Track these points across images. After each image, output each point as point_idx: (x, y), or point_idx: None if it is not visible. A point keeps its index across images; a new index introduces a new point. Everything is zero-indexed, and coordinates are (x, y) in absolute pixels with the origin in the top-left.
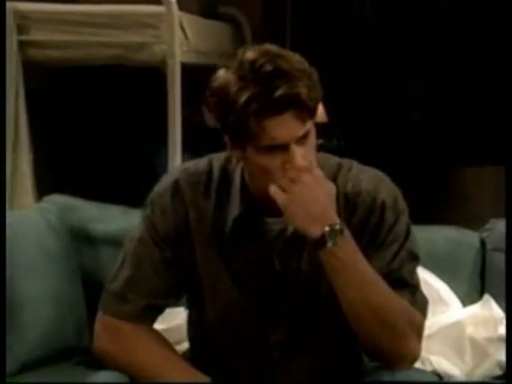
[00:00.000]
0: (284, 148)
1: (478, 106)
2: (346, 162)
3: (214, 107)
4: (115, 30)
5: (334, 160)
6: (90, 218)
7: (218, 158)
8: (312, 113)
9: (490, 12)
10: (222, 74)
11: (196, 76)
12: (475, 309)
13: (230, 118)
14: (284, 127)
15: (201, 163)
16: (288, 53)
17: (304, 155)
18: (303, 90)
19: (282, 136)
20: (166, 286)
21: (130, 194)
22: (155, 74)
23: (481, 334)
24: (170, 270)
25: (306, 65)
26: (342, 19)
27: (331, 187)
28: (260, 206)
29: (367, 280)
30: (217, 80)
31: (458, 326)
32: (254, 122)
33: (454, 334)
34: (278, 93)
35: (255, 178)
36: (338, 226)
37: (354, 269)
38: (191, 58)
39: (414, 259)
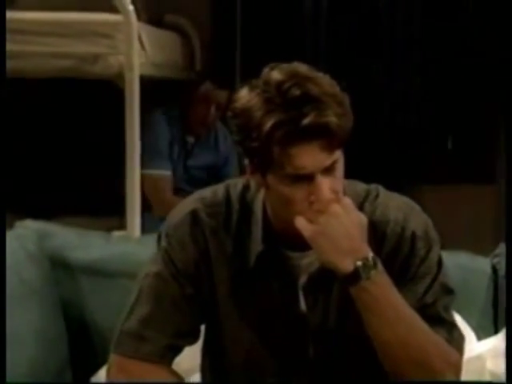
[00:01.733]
0: (309, 178)
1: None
2: (372, 187)
3: (236, 129)
4: (66, 40)
5: (360, 186)
6: (69, 246)
7: (234, 186)
8: (342, 142)
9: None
10: (244, 93)
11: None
12: (494, 342)
13: (252, 143)
14: (310, 157)
15: (218, 192)
16: (318, 75)
17: (331, 186)
18: (332, 119)
19: (308, 166)
20: (187, 324)
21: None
22: (109, 88)
23: (501, 367)
24: (190, 307)
25: (336, 89)
26: (293, 30)
27: (362, 217)
28: (283, 239)
29: (403, 318)
30: (239, 100)
31: (478, 360)
32: (278, 149)
33: (475, 369)
34: (306, 121)
35: (277, 208)
36: (371, 260)
37: (389, 306)
38: (149, 71)
39: (449, 293)
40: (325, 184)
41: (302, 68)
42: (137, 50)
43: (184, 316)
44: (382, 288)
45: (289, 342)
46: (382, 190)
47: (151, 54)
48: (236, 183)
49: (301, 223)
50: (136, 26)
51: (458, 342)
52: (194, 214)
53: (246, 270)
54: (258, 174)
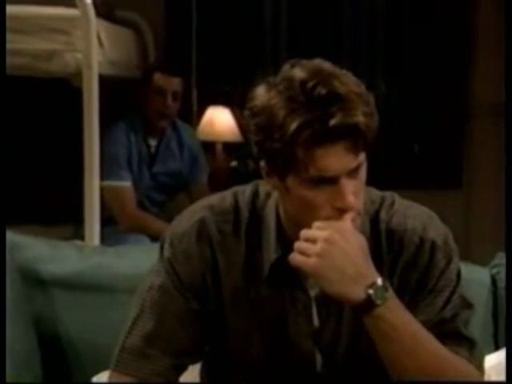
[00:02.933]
0: (333, 181)
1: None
2: (388, 195)
3: (255, 129)
4: (20, 36)
5: (375, 193)
6: (41, 258)
7: (242, 193)
8: (368, 143)
9: None
10: (262, 91)
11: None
12: (497, 358)
13: (274, 144)
14: (336, 158)
15: (226, 199)
16: (342, 72)
17: (354, 190)
18: (361, 119)
19: (333, 168)
20: (191, 341)
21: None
22: (66, 88)
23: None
24: (196, 323)
25: (362, 87)
26: (251, 24)
27: (361, 238)
28: None
29: (422, 344)
30: (258, 99)
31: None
32: (302, 150)
33: None
34: (333, 121)
35: (295, 213)
36: (381, 283)
37: (407, 332)
38: (106, 70)
39: (468, 307)
40: (349, 187)
41: (325, 65)
42: (95, 47)
43: (189, 333)
44: (397, 313)
45: (297, 357)
46: (397, 197)
47: (109, 52)
48: (244, 190)
49: (297, 259)
50: (94, 21)
51: (478, 360)
52: (201, 223)
53: (258, 281)
54: (275, 177)
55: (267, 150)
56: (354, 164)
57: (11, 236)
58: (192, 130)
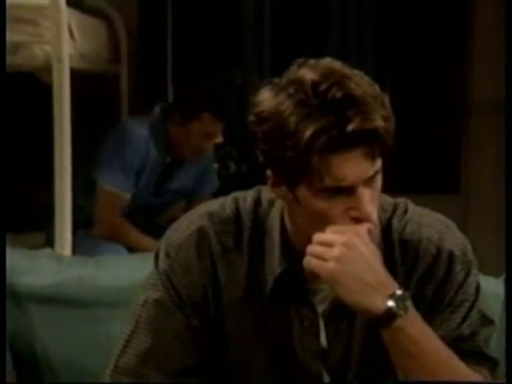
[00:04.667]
0: (349, 191)
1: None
2: (400, 202)
3: (263, 137)
4: None
5: (387, 200)
6: (15, 270)
7: (244, 200)
8: (386, 149)
9: None
10: (269, 95)
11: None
12: None
13: (286, 152)
14: (353, 166)
15: (226, 206)
16: (355, 72)
17: (371, 200)
18: (380, 124)
19: (350, 177)
20: (191, 360)
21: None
22: (31, 81)
23: None
24: (196, 340)
25: (376, 88)
26: (230, 18)
27: (375, 248)
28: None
29: (443, 361)
30: (265, 103)
31: None
32: (317, 159)
33: None
34: (351, 127)
35: (306, 224)
36: (400, 293)
37: (429, 347)
38: (78, 63)
39: (489, 323)
40: (367, 196)
41: (336, 65)
42: (66, 39)
43: (188, 350)
44: (418, 327)
45: (304, 378)
46: (410, 204)
47: (80, 44)
48: (245, 197)
49: (313, 263)
50: (65, 10)
51: (501, 379)
52: (200, 233)
53: (261, 295)
54: (283, 187)
55: (277, 159)
56: (371, 172)
57: None
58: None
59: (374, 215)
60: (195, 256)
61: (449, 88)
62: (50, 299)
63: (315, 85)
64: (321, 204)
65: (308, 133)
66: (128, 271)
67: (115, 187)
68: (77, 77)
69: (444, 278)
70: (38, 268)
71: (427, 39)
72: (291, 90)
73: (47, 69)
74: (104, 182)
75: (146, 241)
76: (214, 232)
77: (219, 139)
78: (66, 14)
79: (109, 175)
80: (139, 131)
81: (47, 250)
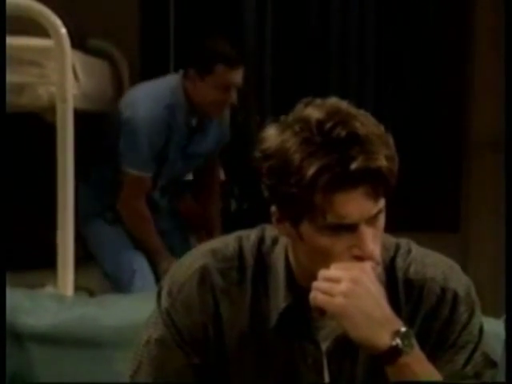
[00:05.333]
0: (351, 228)
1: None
2: (403, 242)
3: (268, 173)
4: None
5: (390, 240)
6: (17, 310)
7: (247, 238)
8: (390, 188)
9: None
10: (275, 132)
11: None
12: None
13: (290, 189)
14: (355, 204)
15: (229, 244)
16: (360, 112)
17: (373, 239)
18: (383, 163)
19: (352, 215)
20: None
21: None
22: (36, 123)
23: None
24: (198, 378)
25: (381, 128)
26: None
27: (380, 285)
28: (308, 297)
29: None
30: (270, 140)
31: None
32: (320, 196)
33: None
34: (355, 165)
35: (309, 261)
36: (405, 330)
37: None
38: (82, 103)
39: (492, 365)
40: (369, 235)
41: (342, 104)
42: (70, 80)
43: None
44: (423, 364)
45: None
46: (413, 244)
47: (84, 85)
48: (249, 235)
49: (320, 299)
50: (69, 52)
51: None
52: (203, 271)
53: (265, 331)
54: (287, 223)
55: (281, 195)
56: (374, 210)
57: None
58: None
59: (377, 254)
60: (197, 294)
61: (449, 127)
62: (51, 339)
63: (320, 123)
64: (324, 241)
65: (312, 170)
66: (130, 311)
67: (138, 170)
68: (81, 116)
69: (448, 318)
70: (40, 308)
71: (427, 79)
72: (297, 128)
73: (51, 109)
74: (127, 166)
75: (157, 242)
76: (216, 269)
77: (238, 87)
78: (70, 56)
79: (131, 159)
80: (157, 107)
81: (49, 290)
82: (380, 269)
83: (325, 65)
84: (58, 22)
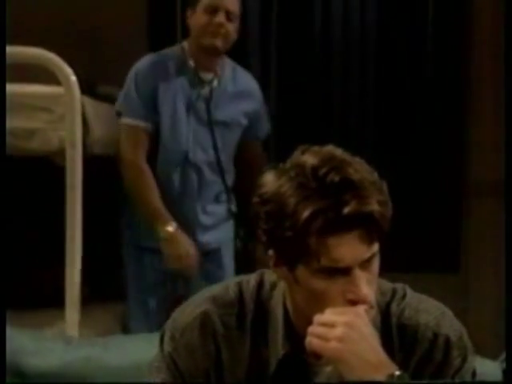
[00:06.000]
0: (345, 272)
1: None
2: (399, 287)
3: (265, 217)
4: None
5: (386, 285)
6: (24, 351)
7: (247, 283)
8: (383, 233)
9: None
10: (272, 178)
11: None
12: None
13: (285, 233)
14: (349, 248)
15: (229, 290)
16: (355, 159)
17: (367, 283)
18: (376, 208)
19: (346, 258)
20: None
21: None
22: (46, 166)
23: None
24: None
25: (375, 175)
26: None
27: (374, 329)
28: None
29: None
30: (267, 186)
31: None
32: (314, 239)
33: None
34: (347, 209)
35: (305, 305)
36: (399, 374)
37: None
38: (91, 148)
39: None
40: (363, 279)
41: (337, 151)
42: (79, 125)
43: None
44: None
45: None
46: (408, 290)
47: (93, 129)
48: (248, 280)
49: (315, 343)
50: (79, 98)
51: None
52: (204, 316)
53: (264, 376)
54: (283, 267)
55: (277, 239)
56: (367, 254)
57: None
58: (253, 79)
59: (371, 298)
60: (199, 339)
61: (449, 168)
62: (56, 380)
63: (315, 169)
64: (318, 284)
65: (305, 214)
66: (134, 352)
67: (129, 117)
68: (90, 160)
69: (441, 363)
70: (45, 349)
71: (427, 120)
72: (292, 174)
73: (61, 153)
74: (121, 116)
75: (157, 202)
76: (217, 315)
77: (228, 10)
78: (80, 102)
79: (123, 107)
80: (148, 58)
81: (55, 330)
82: (374, 312)
83: (325, 113)
84: (69, 70)
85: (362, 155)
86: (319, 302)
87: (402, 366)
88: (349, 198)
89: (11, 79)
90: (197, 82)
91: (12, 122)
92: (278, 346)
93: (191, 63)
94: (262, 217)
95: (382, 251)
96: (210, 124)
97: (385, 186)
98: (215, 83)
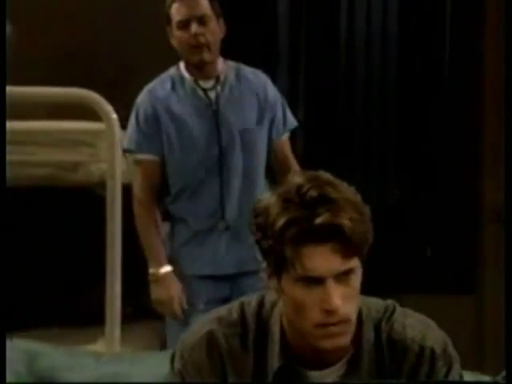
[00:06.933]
0: (319, 282)
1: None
2: (389, 304)
3: (255, 228)
4: (46, 148)
5: (378, 303)
6: (58, 367)
7: (248, 304)
8: (357, 249)
9: None
10: (267, 195)
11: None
12: None
13: (268, 242)
14: (321, 259)
15: (233, 311)
16: (340, 183)
17: (343, 296)
18: (346, 222)
19: (318, 268)
20: None
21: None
22: (88, 196)
23: None
24: None
25: (357, 198)
26: None
27: None
28: (301, 356)
29: None
30: (261, 201)
31: None
32: (290, 248)
33: None
34: (318, 220)
35: (291, 315)
36: None
37: None
38: (130, 179)
39: None
40: (336, 291)
41: (324, 174)
42: (119, 158)
43: None
44: None
45: None
46: (397, 306)
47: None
48: (250, 301)
49: None
50: (119, 133)
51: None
52: (210, 336)
53: None
54: (274, 278)
55: (264, 250)
56: (341, 268)
57: (31, 345)
58: (260, 75)
59: (349, 313)
60: (206, 357)
61: (466, 194)
62: None
63: (299, 186)
64: (298, 293)
65: (281, 222)
66: (161, 367)
67: (139, 152)
68: (129, 191)
69: (428, 373)
70: (78, 365)
71: (444, 146)
72: (281, 191)
73: (102, 184)
74: (129, 151)
75: (154, 245)
76: (222, 334)
77: (198, 17)
78: (120, 136)
79: (128, 143)
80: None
81: (97, 347)
82: (351, 328)
83: (347, 154)
84: (109, 107)
85: (382, 168)
86: (300, 311)
87: (393, 377)
88: (322, 211)
89: (58, 116)
90: (199, 92)
91: (57, 156)
92: (274, 360)
93: (188, 76)
94: (254, 229)
95: (401, 273)
96: (219, 128)
97: (367, 210)
98: (218, 89)
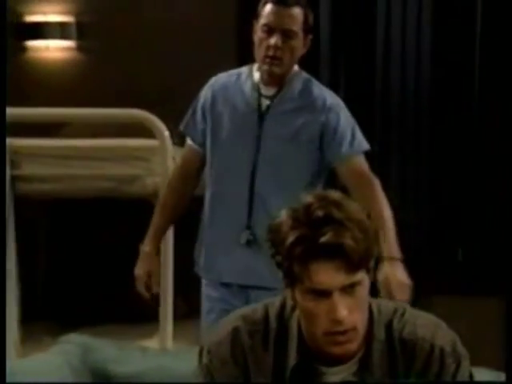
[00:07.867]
0: (326, 294)
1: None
2: (399, 304)
3: (270, 244)
4: (106, 163)
5: (389, 305)
6: (109, 359)
7: (273, 305)
8: (361, 265)
9: None
10: (283, 213)
11: None
12: None
13: (279, 257)
14: (327, 274)
15: (258, 310)
16: (348, 202)
17: (349, 306)
18: (348, 242)
19: (324, 282)
20: None
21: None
22: (144, 206)
23: None
24: None
25: (362, 216)
26: None
27: None
28: (317, 354)
29: None
30: (277, 219)
31: None
32: (298, 264)
33: None
34: (323, 239)
35: (303, 322)
36: None
37: None
38: None
39: None
40: (341, 302)
41: (333, 194)
42: (171, 171)
43: None
44: None
45: None
46: (407, 307)
47: None
48: (273, 302)
49: None
50: (171, 149)
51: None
52: (235, 332)
53: None
54: (289, 289)
55: (277, 263)
56: (346, 281)
57: (85, 339)
58: (326, 92)
59: (355, 322)
60: (230, 352)
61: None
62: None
63: (308, 206)
64: (308, 303)
65: (290, 239)
66: None
67: (188, 136)
68: None
69: (438, 371)
70: (127, 358)
71: (475, 151)
72: (292, 210)
73: (156, 195)
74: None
75: (156, 224)
76: (246, 331)
77: (284, 29)
78: (172, 152)
79: (184, 124)
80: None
81: (153, 342)
82: (359, 337)
83: (384, 163)
84: (162, 126)
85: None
86: (311, 320)
87: (405, 375)
88: (327, 231)
89: (117, 135)
90: (255, 97)
91: (116, 170)
92: (292, 357)
93: (256, 77)
94: (269, 244)
95: (432, 276)
96: (259, 139)
97: (371, 228)
98: (277, 98)
